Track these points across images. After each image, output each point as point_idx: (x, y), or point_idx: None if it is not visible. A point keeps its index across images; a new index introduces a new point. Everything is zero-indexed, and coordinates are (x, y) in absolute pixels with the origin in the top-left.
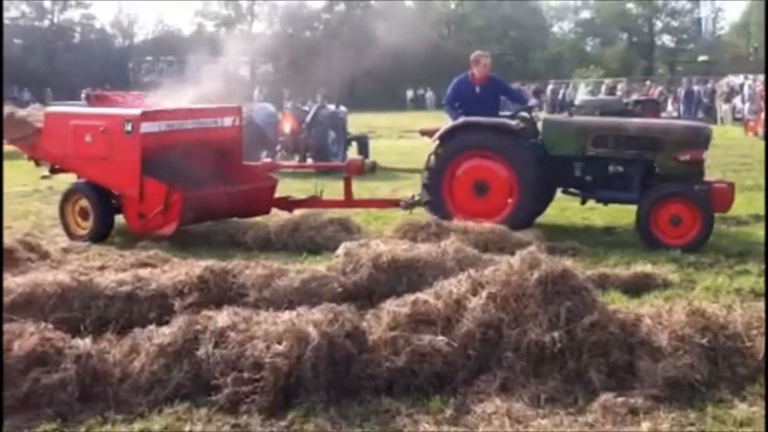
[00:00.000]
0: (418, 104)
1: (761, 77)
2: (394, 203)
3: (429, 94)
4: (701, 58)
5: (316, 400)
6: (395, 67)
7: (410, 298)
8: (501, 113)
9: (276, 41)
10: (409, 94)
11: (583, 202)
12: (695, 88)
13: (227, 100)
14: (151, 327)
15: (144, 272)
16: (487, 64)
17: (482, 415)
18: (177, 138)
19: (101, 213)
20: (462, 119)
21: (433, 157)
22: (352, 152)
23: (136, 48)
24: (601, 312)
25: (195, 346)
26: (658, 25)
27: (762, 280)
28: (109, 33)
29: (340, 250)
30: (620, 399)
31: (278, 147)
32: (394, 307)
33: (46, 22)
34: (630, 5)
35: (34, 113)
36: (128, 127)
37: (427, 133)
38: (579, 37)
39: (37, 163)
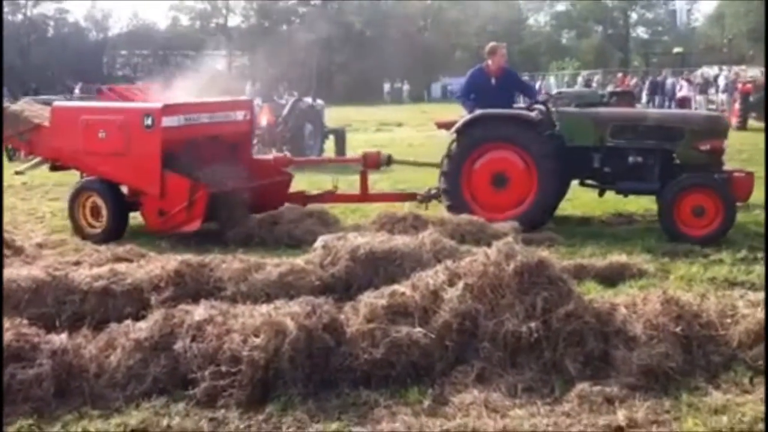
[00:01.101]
0: (395, 97)
1: (735, 68)
2: (411, 197)
3: (406, 87)
4: (676, 49)
5: (294, 392)
6: (372, 60)
7: (388, 290)
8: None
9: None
10: (386, 87)
11: (601, 194)
12: (669, 80)
13: (221, 94)
14: (128, 322)
15: (120, 267)
16: (503, 54)
17: (460, 405)
18: (194, 132)
19: (115, 211)
20: (480, 111)
21: (451, 149)
22: (329, 146)
23: (111, 42)
24: (577, 302)
25: (172, 341)
26: (633, 17)
27: (735, 269)
28: (82, 27)
29: (318, 243)
30: (596, 388)
31: (255, 140)
32: (372, 299)
33: (20, 16)
34: None
35: (29, 108)
36: (148, 122)
37: (444, 125)
38: (555, 30)
39: (10, 158)
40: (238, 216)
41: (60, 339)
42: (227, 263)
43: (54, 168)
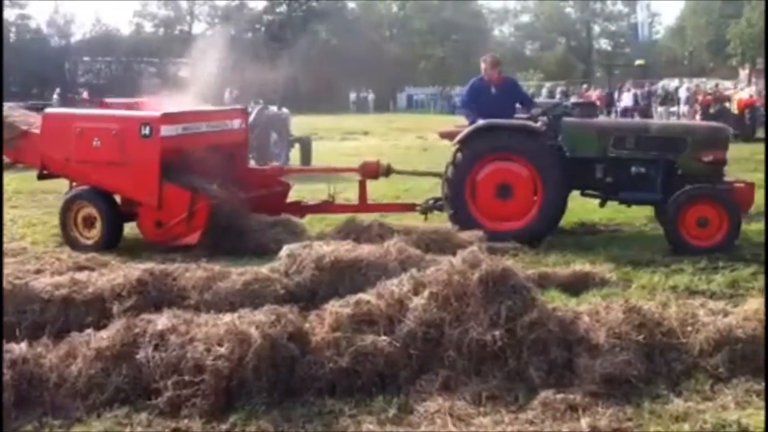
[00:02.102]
0: (361, 106)
1: (696, 80)
2: (410, 207)
3: (371, 96)
4: (638, 62)
5: (258, 402)
6: (337, 69)
7: (353, 298)
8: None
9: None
10: (352, 96)
11: (602, 204)
12: (632, 91)
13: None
14: (89, 331)
15: (81, 276)
16: (490, 64)
17: (425, 414)
18: (192, 141)
19: (110, 221)
20: (484, 121)
21: (455, 159)
22: (295, 154)
23: (73, 48)
24: (541, 310)
25: (134, 350)
26: (596, 29)
27: (696, 278)
28: (45, 32)
29: (283, 252)
30: (560, 396)
31: None
32: (337, 307)
33: None
34: (569, 9)
35: (12, 113)
36: (145, 131)
37: (447, 135)
38: (519, 41)
39: None
40: (238, 227)
41: (20, 348)
42: (191, 272)
43: (42, 176)
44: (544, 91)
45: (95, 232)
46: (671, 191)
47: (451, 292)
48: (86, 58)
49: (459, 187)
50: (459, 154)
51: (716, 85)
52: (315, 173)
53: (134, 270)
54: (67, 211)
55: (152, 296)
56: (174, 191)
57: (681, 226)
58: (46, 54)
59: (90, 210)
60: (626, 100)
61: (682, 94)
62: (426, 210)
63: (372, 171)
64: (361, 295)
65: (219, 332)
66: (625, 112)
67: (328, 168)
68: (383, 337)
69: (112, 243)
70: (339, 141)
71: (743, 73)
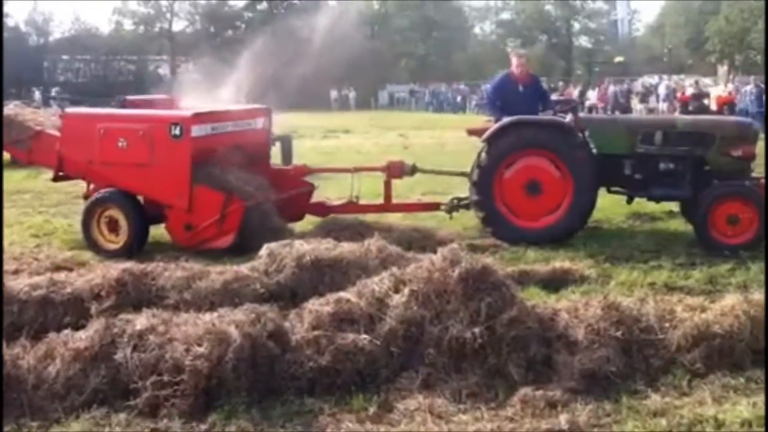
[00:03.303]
0: (342, 104)
1: (675, 77)
2: (435, 207)
3: (352, 95)
4: (617, 59)
5: (237, 401)
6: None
7: (333, 297)
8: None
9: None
10: (333, 94)
11: (629, 201)
12: (612, 88)
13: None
14: (67, 331)
15: (59, 276)
16: (516, 59)
17: (405, 411)
18: (219, 142)
19: (137, 225)
20: (514, 117)
21: (482, 157)
22: (275, 152)
23: (52, 46)
24: (520, 307)
25: (112, 350)
26: (576, 26)
27: (674, 274)
28: (23, 31)
29: (263, 251)
30: (539, 392)
31: None
32: (317, 306)
33: None
34: (549, 7)
35: (21, 113)
36: (176, 131)
37: (475, 132)
38: (500, 38)
39: None
40: (270, 230)
41: None
42: (170, 271)
43: (56, 178)
44: None
45: (120, 236)
46: (700, 187)
47: (432, 290)
48: (65, 57)
49: (487, 183)
50: (486, 151)
51: (696, 82)
52: (339, 173)
53: (113, 270)
54: (90, 214)
55: (131, 296)
56: (206, 193)
57: (711, 223)
58: (24, 53)
59: (115, 213)
60: (593, 98)
61: (661, 90)
62: (451, 209)
63: (397, 170)
64: (342, 294)
65: (198, 332)
66: (591, 110)
67: (355, 168)
68: (363, 336)
69: (138, 247)
70: (320, 139)
71: (722, 69)
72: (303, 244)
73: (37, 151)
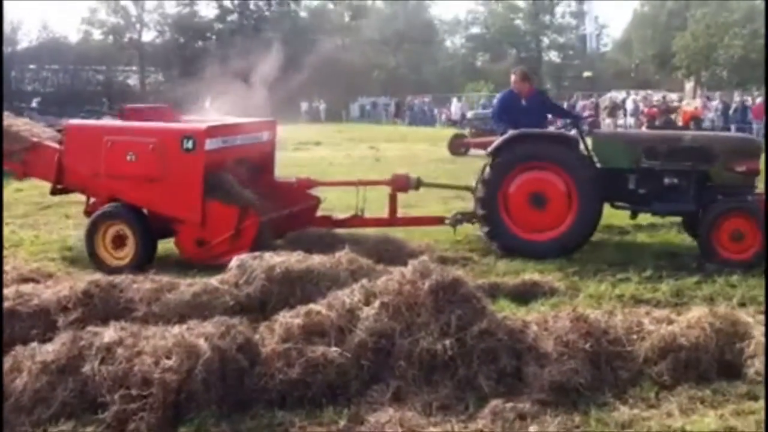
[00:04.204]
0: (313, 116)
1: (642, 92)
2: (439, 221)
3: (323, 107)
4: (586, 74)
5: (207, 415)
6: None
7: (303, 309)
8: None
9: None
10: (304, 105)
11: (633, 216)
12: (580, 102)
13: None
14: (34, 344)
15: (26, 288)
16: (516, 76)
17: (375, 424)
18: (229, 155)
19: (144, 240)
20: (518, 130)
21: (487, 170)
22: None
23: (19, 55)
24: (490, 319)
25: (80, 363)
26: (545, 41)
27: (642, 286)
28: None
29: (233, 263)
30: (509, 404)
31: None
32: (288, 318)
33: None
34: (518, 22)
35: (15, 123)
36: (188, 144)
37: (480, 146)
38: (470, 52)
39: None
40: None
41: None
42: (138, 283)
43: (55, 191)
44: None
45: (127, 252)
46: (704, 202)
47: (402, 302)
48: (32, 66)
49: (491, 196)
50: (491, 164)
51: (663, 97)
52: (343, 186)
53: (80, 282)
54: (95, 229)
55: (99, 308)
56: (219, 208)
57: (715, 239)
58: None
59: (121, 228)
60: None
61: (629, 105)
62: (455, 223)
63: (403, 184)
64: (312, 306)
65: (167, 344)
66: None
67: (360, 181)
68: (334, 348)
69: (145, 262)
70: (292, 151)
71: (689, 85)
72: (273, 256)
73: (32, 163)
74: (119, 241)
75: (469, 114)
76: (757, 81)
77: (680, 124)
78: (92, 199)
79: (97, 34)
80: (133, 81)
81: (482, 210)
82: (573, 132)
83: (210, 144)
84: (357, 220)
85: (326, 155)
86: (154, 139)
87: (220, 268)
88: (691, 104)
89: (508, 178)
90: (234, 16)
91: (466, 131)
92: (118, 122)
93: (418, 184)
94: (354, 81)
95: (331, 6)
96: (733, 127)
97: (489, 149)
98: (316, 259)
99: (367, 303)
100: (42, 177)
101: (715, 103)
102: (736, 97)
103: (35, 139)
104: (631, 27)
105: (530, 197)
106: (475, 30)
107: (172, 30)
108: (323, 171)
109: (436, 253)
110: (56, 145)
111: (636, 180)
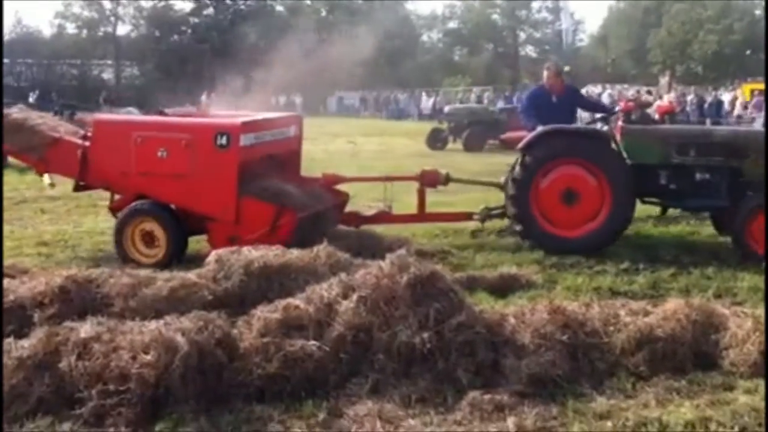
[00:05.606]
0: (290, 110)
1: (618, 86)
2: (468, 216)
3: (299, 101)
4: (565, 68)
5: (185, 410)
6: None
7: (282, 303)
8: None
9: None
10: (281, 99)
11: (663, 212)
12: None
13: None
14: (10, 339)
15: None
16: (547, 73)
17: (354, 417)
18: (260, 151)
19: (176, 237)
20: (549, 126)
21: (518, 166)
22: None
23: None
24: (468, 312)
25: (57, 359)
26: (522, 36)
27: (618, 279)
28: None
29: (211, 257)
30: (487, 396)
31: None
32: (266, 313)
33: None
34: (495, 16)
35: (30, 116)
36: (222, 140)
37: (510, 141)
38: (447, 47)
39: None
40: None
41: None
42: (115, 278)
43: (78, 188)
44: (473, 96)
45: (157, 250)
46: (735, 198)
47: (380, 296)
48: (6, 60)
49: (523, 192)
50: (523, 159)
51: (638, 92)
52: (372, 182)
53: (56, 277)
54: (124, 227)
55: (75, 304)
56: (255, 206)
57: (749, 233)
58: None
59: (151, 226)
60: None
61: (605, 99)
62: (484, 219)
63: (432, 180)
64: (290, 300)
65: (144, 340)
66: None
67: (389, 177)
68: (312, 342)
69: (175, 260)
70: None
71: (663, 80)
72: (251, 251)
73: (54, 159)
74: (149, 239)
75: (447, 108)
76: (730, 76)
77: (656, 118)
78: (117, 196)
79: (71, 28)
80: (107, 75)
81: (513, 208)
82: (604, 128)
83: (244, 140)
84: (385, 217)
85: (306, 150)
86: (186, 135)
87: (199, 262)
88: (665, 98)
89: (539, 174)
90: (209, 11)
91: (444, 125)
92: (147, 117)
93: (447, 179)
94: (331, 75)
95: (308, 1)
96: (708, 120)
97: (520, 145)
98: (295, 254)
99: (346, 297)
100: (64, 173)
101: (690, 98)
102: (709, 95)
103: (56, 135)
104: (608, 23)
105: (562, 194)
106: (452, 25)
107: (148, 24)
108: (306, 166)
109: (414, 247)
110: (78, 141)
111: (667, 176)
